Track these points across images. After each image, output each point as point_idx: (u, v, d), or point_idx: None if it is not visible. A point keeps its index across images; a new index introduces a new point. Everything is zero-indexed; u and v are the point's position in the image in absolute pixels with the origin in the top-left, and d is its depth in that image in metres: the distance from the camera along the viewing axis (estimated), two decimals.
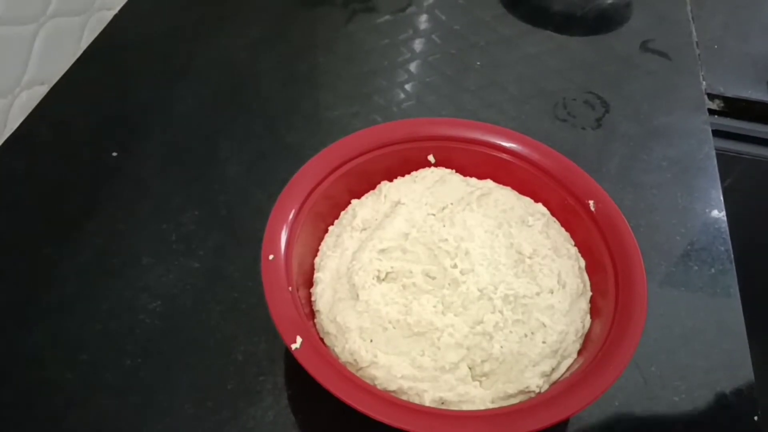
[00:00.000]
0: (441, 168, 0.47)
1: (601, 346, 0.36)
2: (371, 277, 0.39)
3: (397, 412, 0.32)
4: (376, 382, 0.36)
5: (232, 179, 0.54)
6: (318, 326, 0.39)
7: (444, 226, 0.42)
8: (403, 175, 0.47)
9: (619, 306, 0.38)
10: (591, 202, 0.42)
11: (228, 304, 0.45)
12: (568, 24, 0.73)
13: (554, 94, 0.64)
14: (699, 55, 0.69)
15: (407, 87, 0.64)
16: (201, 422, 0.39)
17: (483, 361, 0.36)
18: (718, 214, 0.53)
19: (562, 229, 0.44)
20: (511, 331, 0.38)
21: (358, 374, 0.36)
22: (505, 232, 0.42)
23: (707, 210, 0.53)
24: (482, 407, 0.35)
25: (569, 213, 0.44)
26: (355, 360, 0.37)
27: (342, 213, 0.46)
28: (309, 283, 0.42)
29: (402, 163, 0.47)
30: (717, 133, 0.62)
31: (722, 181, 0.55)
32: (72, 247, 0.48)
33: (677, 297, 0.47)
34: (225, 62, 0.66)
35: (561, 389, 0.34)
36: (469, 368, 0.37)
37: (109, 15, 0.69)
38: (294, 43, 0.69)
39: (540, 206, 0.45)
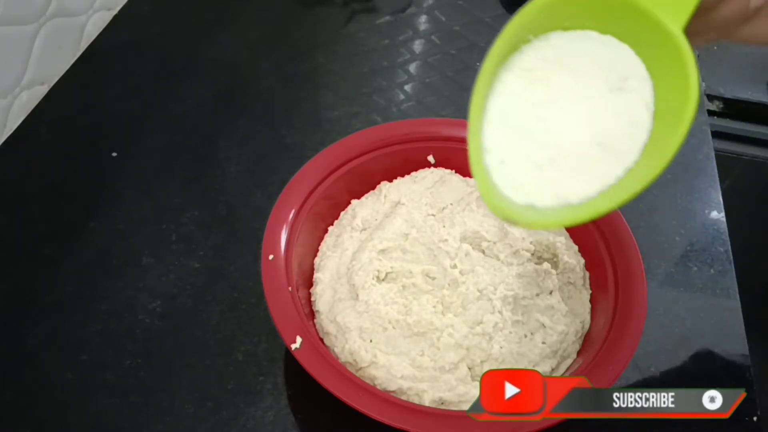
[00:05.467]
0: (441, 168, 0.47)
1: (600, 347, 0.36)
2: (371, 278, 0.39)
3: (397, 412, 0.32)
4: (376, 382, 0.36)
5: (232, 179, 0.54)
6: (318, 326, 0.39)
7: (444, 226, 0.42)
8: (403, 176, 0.47)
9: (618, 306, 0.38)
10: None
11: (228, 304, 0.45)
12: None
13: None
14: (698, 56, 0.69)
15: (407, 87, 0.64)
16: (201, 422, 0.39)
17: (482, 362, 0.36)
18: (718, 215, 0.53)
19: (563, 229, 0.44)
20: (510, 332, 0.38)
21: (358, 374, 0.36)
22: (504, 231, 0.42)
23: (707, 211, 0.53)
24: None
25: None
26: (355, 360, 0.37)
27: (342, 213, 0.46)
28: (309, 283, 0.42)
29: (402, 163, 0.47)
30: (716, 134, 0.62)
31: (721, 182, 0.55)
32: (72, 247, 0.48)
33: (677, 297, 0.47)
34: (225, 62, 0.66)
35: None
36: (469, 368, 0.37)
37: (109, 15, 0.69)
38: (294, 43, 0.69)
39: None
